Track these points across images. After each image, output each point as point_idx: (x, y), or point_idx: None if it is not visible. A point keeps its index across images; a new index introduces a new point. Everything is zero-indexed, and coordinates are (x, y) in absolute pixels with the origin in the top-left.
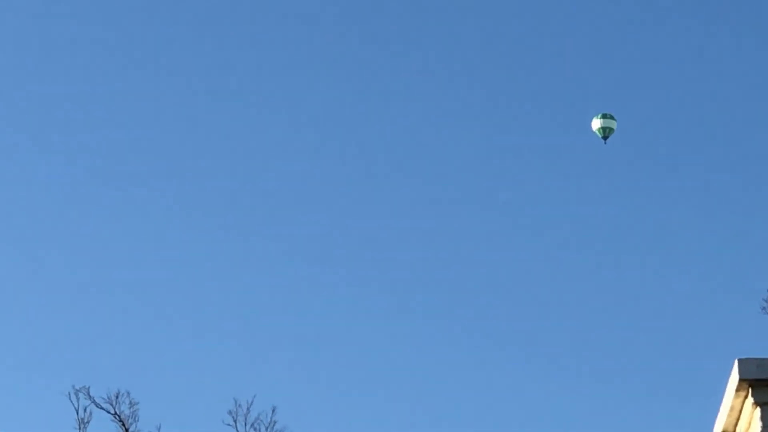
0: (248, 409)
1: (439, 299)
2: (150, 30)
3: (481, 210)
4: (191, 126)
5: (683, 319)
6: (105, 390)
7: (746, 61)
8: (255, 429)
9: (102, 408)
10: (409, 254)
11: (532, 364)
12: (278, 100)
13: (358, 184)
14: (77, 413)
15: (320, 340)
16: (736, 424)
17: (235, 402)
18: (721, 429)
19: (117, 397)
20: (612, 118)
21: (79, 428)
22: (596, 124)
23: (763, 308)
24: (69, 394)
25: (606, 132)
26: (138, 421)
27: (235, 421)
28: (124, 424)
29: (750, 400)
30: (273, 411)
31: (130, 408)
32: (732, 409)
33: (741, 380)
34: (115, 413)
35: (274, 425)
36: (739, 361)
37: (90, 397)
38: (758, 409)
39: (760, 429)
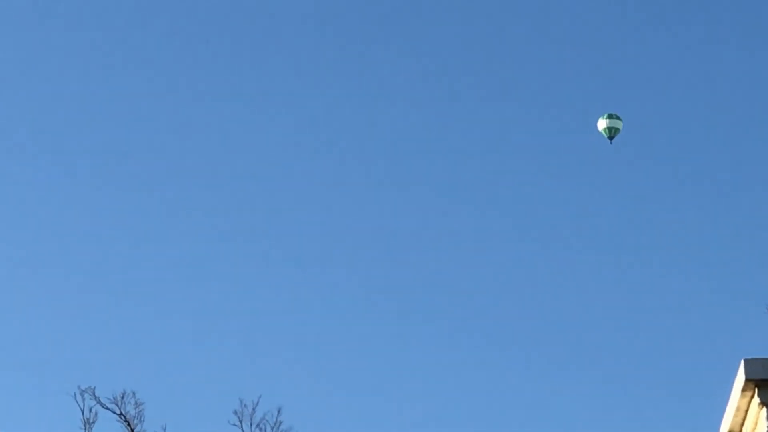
0: (254, 409)
1: (443, 300)
2: (150, 30)
3: (486, 211)
4: (196, 126)
5: (689, 319)
6: (110, 390)
7: (752, 62)
8: (260, 429)
9: (107, 408)
10: (413, 255)
11: (537, 365)
12: (280, 101)
13: (362, 185)
14: (83, 413)
15: (325, 340)
16: (742, 424)
17: (241, 402)
18: (727, 429)
19: (122, 398)
20: (618, 118)
21: (85, 428)
22: (602, 124)
23: None
24: (75, 395)
25: (612, 132)
26: (143, 421)
27: (240, 422)
28: (129, 425)
29: (756, 400)
30: (278, 411)
31: (135, 408)
32: (738, 409)
33: (747, 380)
34: (121, 413)
35: (279, 425)
36: (746, 361)
37: (96, 397)
38: (764, 409)
39: (766, 429)
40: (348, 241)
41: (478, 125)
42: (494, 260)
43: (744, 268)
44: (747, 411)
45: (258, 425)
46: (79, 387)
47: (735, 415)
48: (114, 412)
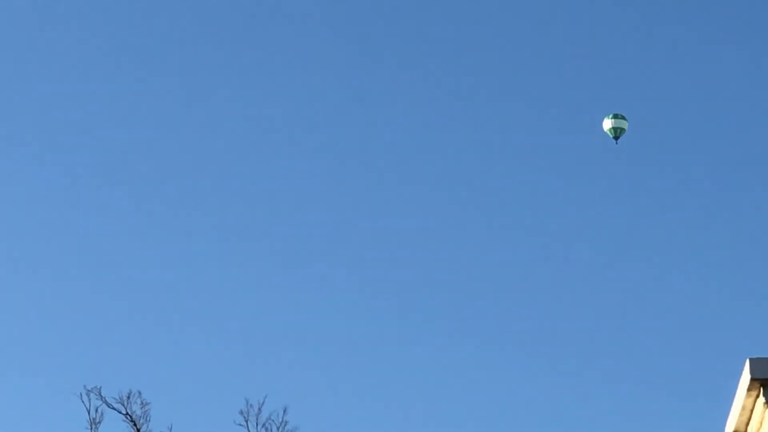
0: (260, 409)
1: (449, 300)
2: (151, 30)
3: (486, 211)
4: (204, 127)
5: (694, 318)
6: (116, 390)
7: (758, 62)
8: (266, 429)
9: (113, 408)
10: (419, 256)
11: (542, 365)
12: (280, 101)
13: (369, 185)
14: (89, 413)
15: (331, 340)
16: (747, 424)
17: (247, 402)
18: (732, 429)
19: (128, 397)
20: (623, 118)
21: (91, 428)
22: (607, 124)
23: None
24: (80, 395)
25: (617, 132)
26: (149, 421)
27: (246, 421)
28: (135, 425)
29: (761, 399)
30: (284, 411)
31: (141, 408)
32: (743, 408)
33: (752, 380)
34: (127, 413)
35: (285, 425)
36: (751, 360)
37: (101, 397)
38: None
39: None
40: (352, 241)
41: (479, 125)
42: (504, 261)
43: (749, 266)
44: (752, 410)
45: (264, 425)
46: (84, 387)
47: (740, 415)
48: (120, 412)
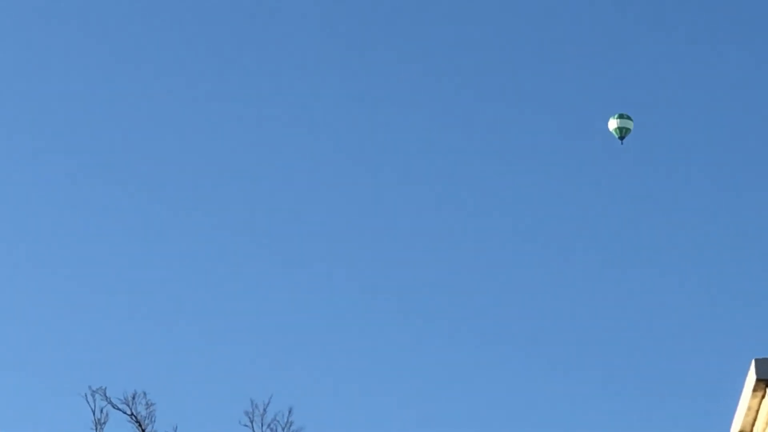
0: (265, 409)
1: (452, 301)
2: (152, 30)
3: (488, 211)
4: (205, 128)
5: (700, 319)
6: (121, 391)
7: (763, 62)
8: (271, 429)
9: (118, 409)
10: (424, 257)
11: (548, 366)
12: (280, 101)
13: (378, 186)
14: (94, 414)
15: (336, 341)
16: (753, 424)
17: (252, 403)
18: (738, 429)
19: (133, 398)
20: (629, 118)
21: (96, 429)
22: (613, 124)
23: None
24: (86, 395)
25: (623, 132)
26: (154, 421)
27: (251, 422)
28: (140, 425)
29: (767, 399)
30: (289, 412)
31: (146, 409)
32: (749, 408)
33: (758, 380)
34: (132, 414)
35: (290, 426)
36: (756, 361)
37: (107, 397)
38: None
39: None
40: (357, 242)
41: (479, 126)
42: (511, 260)
43: (755, 267)
44: (758, 410)
45: (269, 425)
46: (90, 387)
47: (746, 415)
48: (125, 413)
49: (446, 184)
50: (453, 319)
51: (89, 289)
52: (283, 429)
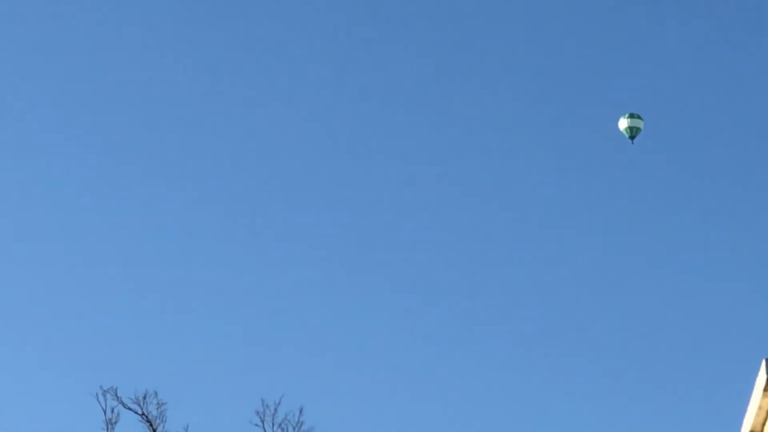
0: (275, 409)
1: (463, 300)
2: (153, 30)
3: (493, 212)
4: (210, 129)
5: (710, 318)
6: (132, 390)
7: None
8: (282, 429)
9: (129, 408)
10: (435, 256)
11: (554, 364)
12: (279, 101)
13: (386, 187)
14: (105, 414)
15: (347, 341)
16: (763, 424)
17: (263, 402)
18: (748, 429)
19: (144, 398)
20: (639, 117)
21: (107, 429)
22: (623, 123)
23: None
24: (97, 395)
25: (633, 132)
26: (165, 421)
27: (262, 422)
28: (151, 425)
29: None
30: (300, 411)
31: (157, 408)
32: (760, 408)
33: None
34: (143, 414)
35: (301, 425)
36: (767, 361)
37: (117, 397)
38: None
39: None
40: (373, 243)
41: (481, 124)
42: (517, 260)
43: (766, 267)
44: None
45: (280, 425)
46: (101, 387)
47: (756, 415)
48: (136, 413)
49: (447, 184)
50: (464, 319)
51: (100, 289)
52: (294, 429)
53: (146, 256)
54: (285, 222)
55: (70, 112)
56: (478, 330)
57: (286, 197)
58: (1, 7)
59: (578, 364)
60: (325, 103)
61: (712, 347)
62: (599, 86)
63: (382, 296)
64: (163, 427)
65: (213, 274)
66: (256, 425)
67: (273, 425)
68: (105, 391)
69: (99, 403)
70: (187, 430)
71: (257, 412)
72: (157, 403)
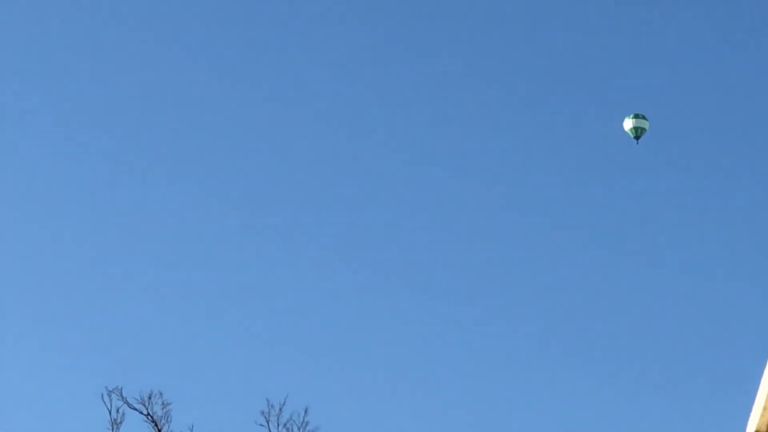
0: (281, 409)
1: (466, 301)
2: (154, 30)
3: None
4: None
5: (716, 317)
6: (138, 391)
7: None
8: (287, 429)
9: (135, 409)
10: (441, 257)
11: (553, 365)
12: (280, 101)
13: (386, 187)
14: (110, 414)
15: (352, 341)
16: None
17: (268, 402)
18: (754, 428)
19: (150, 398)
20: (644, 118)
21: (112, 429)
22: (628, 124)
23: None
24: (102, 395)
25: (638, 132)
26: (170, 421)
27: (267, 422)
28: (156, 425)
29: None
30: (305, 411)
31: (162, 409)
32: (765, 408)
33: None
34: (148, 414)
35: (306, 426)
36: None
37: (123, 397)
38: None
39: None
40: (378, 244)
41: (494, 126)
42: (524, 259)
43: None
44: None
45: (285, 425)
46: (106, 388)
47: (762, 415)
48: (141, 413)
49: (447, 185)
50: (467, 320)
51: (105, 289)
52: (299, 429)
53: (152, 256)
54: (291, 222)
55: (71, 112)
56: (479, 330)
57: (295, 198)
58: (1, 7)
59: (578, 364)
60: (325, 103)
61: (715, 347)
62: (602, 86)
63: (388, 297)
64: (168, 427)
65: (218, 275)
66: (261, 425)
67: (278, 425)
68: (110, 391)
69: (104, 403)
70: (192, 430)
71: (262, 413)
72: (162, 403)
